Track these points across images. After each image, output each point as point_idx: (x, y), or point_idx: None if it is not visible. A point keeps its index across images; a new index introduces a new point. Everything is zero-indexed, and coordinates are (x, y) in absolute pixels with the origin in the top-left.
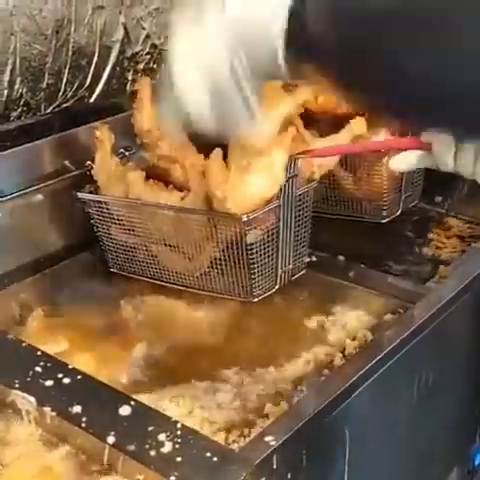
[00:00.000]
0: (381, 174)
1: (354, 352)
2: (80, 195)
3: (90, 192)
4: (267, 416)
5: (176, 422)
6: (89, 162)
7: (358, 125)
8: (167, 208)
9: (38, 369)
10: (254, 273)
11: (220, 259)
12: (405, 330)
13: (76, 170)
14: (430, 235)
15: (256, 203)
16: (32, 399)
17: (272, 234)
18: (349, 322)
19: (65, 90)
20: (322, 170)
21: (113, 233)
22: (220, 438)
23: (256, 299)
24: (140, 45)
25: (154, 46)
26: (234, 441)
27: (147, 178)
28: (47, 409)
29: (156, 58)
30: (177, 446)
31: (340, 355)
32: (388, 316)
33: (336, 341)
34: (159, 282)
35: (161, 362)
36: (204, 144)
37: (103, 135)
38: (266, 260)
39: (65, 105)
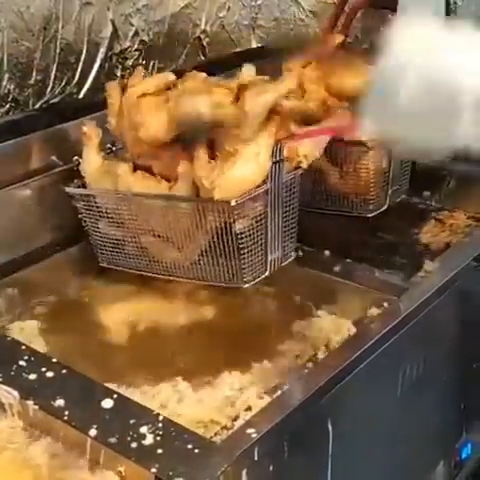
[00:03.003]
0: (368, 168)
1: (338, 346)
2: (68, 190)
3: (78, 187)
4: (250, 409)
5: (158, 415)
6: (76, 157)
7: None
8: (156, 197)
9: (22, 363)
10: (244, 259)
11: (210, 247)
12: (389, 324)
13: (64, 165)
14: (416, 229)
15: (243, 190)
16: (15, 393)
17: (260, 220)
18: (334, 316)
19: (53, 86)
20: (309, 159)
21: (101, 227)
22: (202, 431)
23: (246, 285)
24: (128, 41)
25: (143, 42)
26: (216, 434)
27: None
28: (30, 402)
29: (145, 54)
30: (158, 438)
31: (324, 349)
32: (373, 310)
33: (320, 335)
34: (149, 274)
35: (143, 357)
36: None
37: (90, 130)
38: (255, 246)
39: (53, 101)
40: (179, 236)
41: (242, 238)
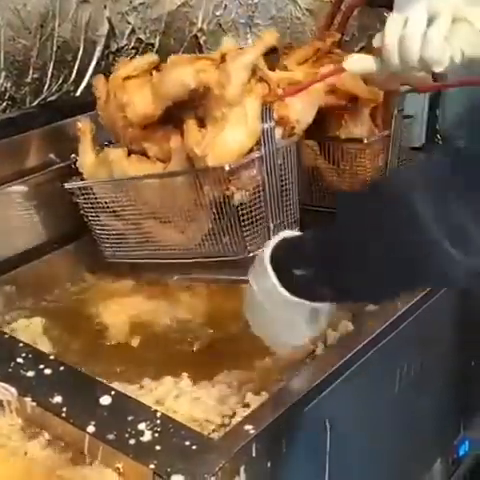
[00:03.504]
0: (364, 166)
1: (335, 342)
2: (67, 185)
3: None
4: (248, 405)
5: (156, 411)
6: (74, 155)
7: None
8: (150, 177)
9: (20, 360)
10: (245, 228)
11: (211, 224)
12: (387, 320)
13: (61, 163)
14: None
15: (236, 154)
16: (13, 390)
17: (259, 191)
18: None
19: (50, 84)
20: (302, 125)
21: (103, 220)
22: (200, 427)
23: (251, 254)
24: (125, 39)
25: (139, 40)
26: (214, 430)
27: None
28: (28, 399)
29: (141, 53)
30: (156, 435)
31: (321, 345)
32: (370, 307)
33: None
34: (154, 261)
35: (144, 353)
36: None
37: (84, 126)
38: (255, 214)
39: (50, 99)
40: (180, 215)
41: (242, 209)
